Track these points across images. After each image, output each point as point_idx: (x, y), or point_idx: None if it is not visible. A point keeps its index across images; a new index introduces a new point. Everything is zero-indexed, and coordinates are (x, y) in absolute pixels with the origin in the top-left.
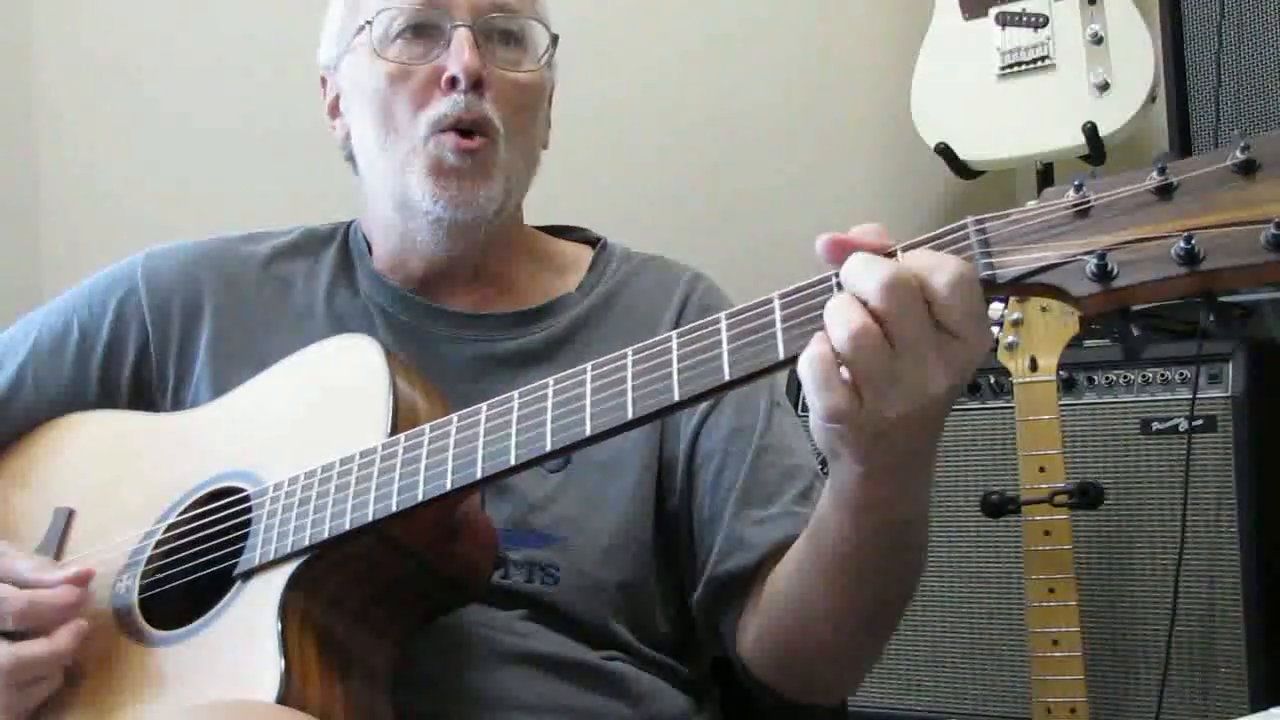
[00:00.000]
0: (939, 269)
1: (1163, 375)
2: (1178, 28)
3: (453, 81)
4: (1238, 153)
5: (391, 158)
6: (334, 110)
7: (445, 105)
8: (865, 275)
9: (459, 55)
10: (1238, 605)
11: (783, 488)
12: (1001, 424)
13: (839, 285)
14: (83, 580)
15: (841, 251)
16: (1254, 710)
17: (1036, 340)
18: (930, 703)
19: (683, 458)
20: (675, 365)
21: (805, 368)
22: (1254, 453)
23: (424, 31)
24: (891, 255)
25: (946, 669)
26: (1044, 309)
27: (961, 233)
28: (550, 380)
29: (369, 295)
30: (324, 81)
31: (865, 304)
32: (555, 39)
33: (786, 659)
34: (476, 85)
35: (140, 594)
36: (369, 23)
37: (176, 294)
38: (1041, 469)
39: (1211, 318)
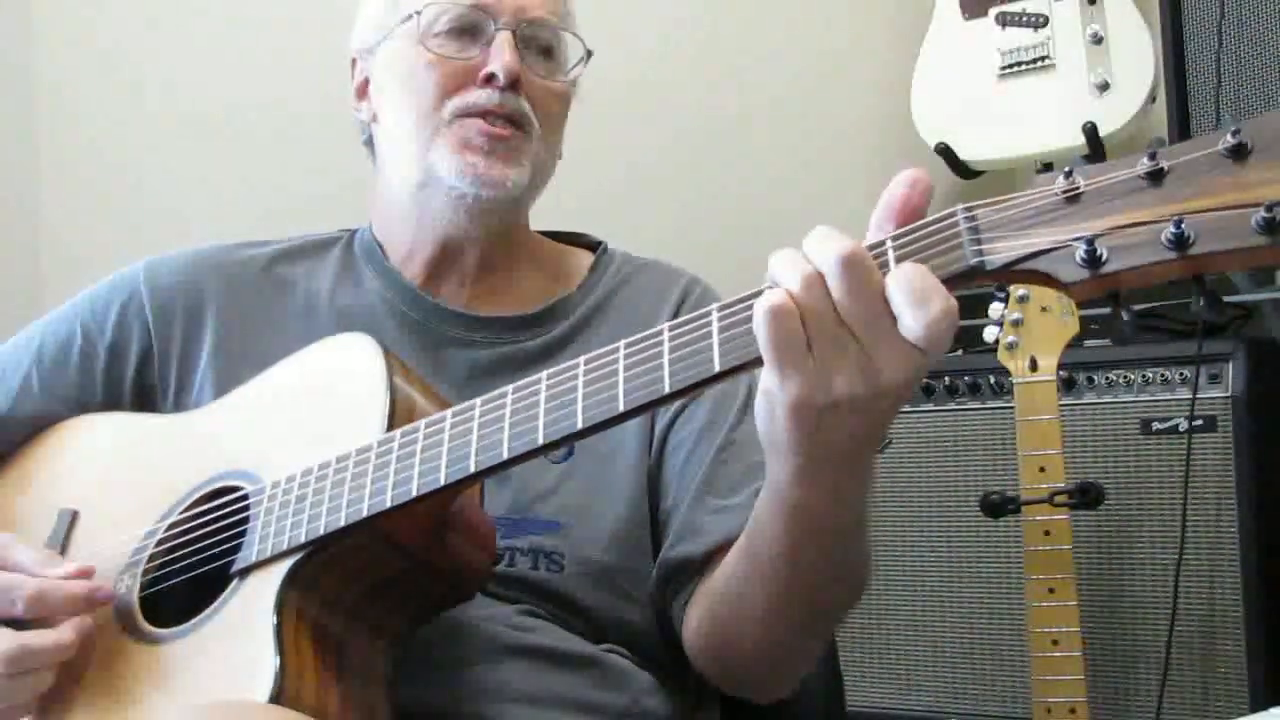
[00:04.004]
0: (918, 305)
1: (1163, 375)
2: (1178, 28)
3: (489, 78)
4: (1229, 136)
5: (418, 138)
6: (362, 92)
7: (477, 96)
8: (822, 244)
9: (500, 54)
10: (1238, 605)
11: (745, 482)
12: (1001, 424)
13: None
14: (84, 577)
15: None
16: (1254, 710)
17: (1036, 340)
18: (930, 703)
19: (655, 446)
20: (666, 357)
21: (761, 311)
22: (1254, 453)
23: (467, 31)
24: (883, 252)
25: (946, 669)
26: (1044, 309)
27: (950, 220)
28: (543, 375)
29: (378, 292)
30: (354, 64)
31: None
32: (590, 54)
33: (720, 652)
34: (514, 85)
35: (141, 592)
36: (418, 13)
37: (178, 298)
38: (1041, 469)
39: (1201, 302)
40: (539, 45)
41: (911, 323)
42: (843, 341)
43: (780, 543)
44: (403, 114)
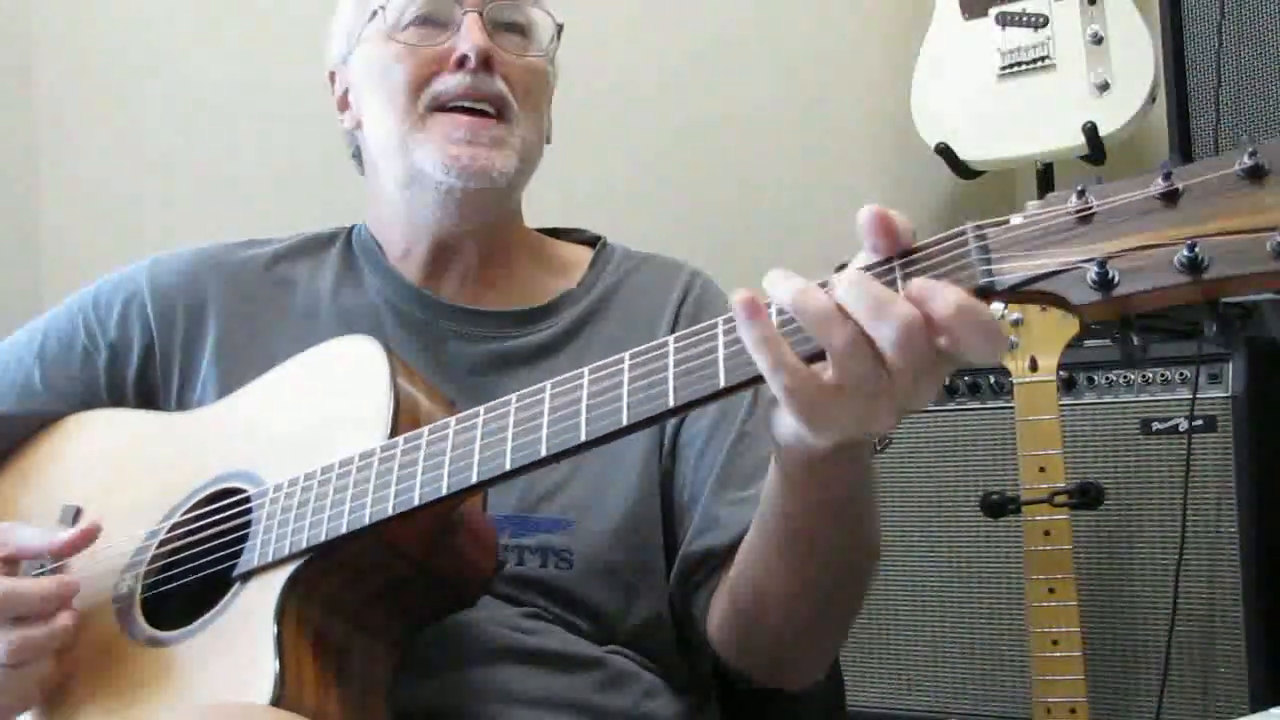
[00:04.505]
0: (941, 300)
1: (1163, 375)
2: (1178, 28)
3: (461, 61)
4: (1245, 158)
5: (398, 135)
6: (343, 104)
7: (449, 82)
8: (881, 317)
9: (468, 36)
10: (1238, 605)
11: (760, 472)
12: (1001, 424)
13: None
14: (87, 538)
15: (886, 228)
16: (1254, 710)
17: (1036, 340)
18: (930, 703)
19: (668, 441)
20: (671, 371)
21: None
22: (1254, 453)
23: (434, 21)
24: (890, 266)
25: (946, 669)
26: (1044, 309)
27: (960, 239)
28: (547, 384)
29: (378, 291)
30: (332, 78)
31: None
32: (560, 28)
33: (746, 641)
34: (487, 65)
35: (143, 593)
36: (382, 8)
37: (180, 298)
38: (1041, 469)
39: (1215, 327)
40: (510, 24)
41: (983, 352)
42: (876, 389)
43: (795, 518)
44: (381, 112)
